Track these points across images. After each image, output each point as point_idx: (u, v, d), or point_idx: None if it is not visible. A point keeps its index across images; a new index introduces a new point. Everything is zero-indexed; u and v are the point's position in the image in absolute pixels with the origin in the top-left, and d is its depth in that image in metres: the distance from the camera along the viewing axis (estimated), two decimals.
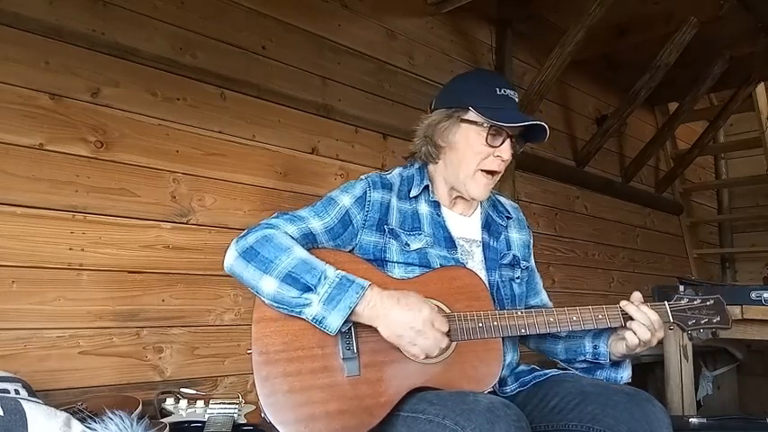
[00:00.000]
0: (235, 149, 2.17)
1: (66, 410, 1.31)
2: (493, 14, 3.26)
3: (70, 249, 1.78)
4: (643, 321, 1.39)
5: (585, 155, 3.81)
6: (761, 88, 4.33)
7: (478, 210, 1.60)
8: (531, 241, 1.68)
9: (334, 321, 1.25)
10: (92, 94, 1.86)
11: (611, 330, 1.49)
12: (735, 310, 2.06)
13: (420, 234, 1.48)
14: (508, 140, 1.47)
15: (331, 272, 1.28)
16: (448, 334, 1.30)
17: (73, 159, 1.81)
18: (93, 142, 1.85)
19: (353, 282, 1.27)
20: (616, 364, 1.51)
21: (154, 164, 1.97)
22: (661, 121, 4.61)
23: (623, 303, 1.44)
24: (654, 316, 1.40)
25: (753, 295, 2.17)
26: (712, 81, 3.79)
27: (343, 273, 1.28)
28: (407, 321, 1.25)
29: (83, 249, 1.80)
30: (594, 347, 1.50)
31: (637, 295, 1.45)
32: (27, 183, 1.72)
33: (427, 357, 1.28)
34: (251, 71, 2.24)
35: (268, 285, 1.28)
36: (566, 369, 1.58)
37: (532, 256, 1.67)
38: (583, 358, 1.52)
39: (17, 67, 1.72)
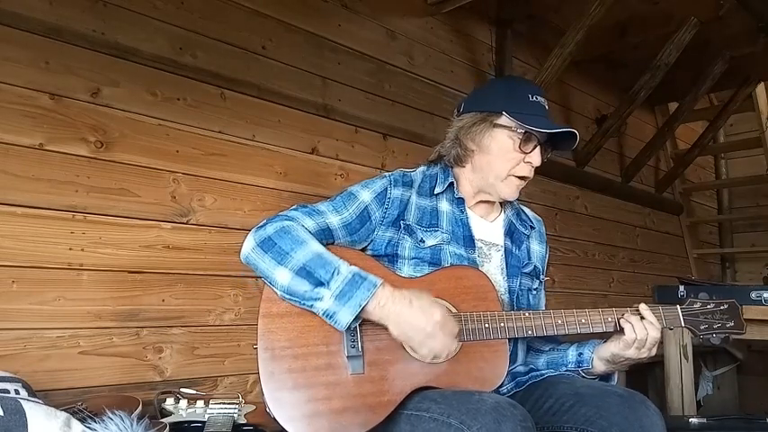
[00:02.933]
0: (235, 149, 2.17)
1: (66, 410, 1.31)
2: (493, 14, 3.25)
3: (70, 249, 1.78)
4: (639, 335, 1.38)
5: (585, 155, 3.80)
6: (761, 88, 4.33)
7: (501, 216, 1.61)
8: (548, 257, 1.68)
9: (345, 317, 1.25)
10: (92, 94, 1.86)
11: (598, 341, 1.48)
12: None
13: (437, 231, 1.48)
14: (539, 147, 1.47)
15: (344, 267, 1.28)
16: (458, 336, 1.30)
17: (73, 159, 1.81)
18: (93, 142, 1.85)
19: (366, 279, 1.27)
20: (605, 378, 1.51)
21: (154, 164, 1.97)
22: (661, 121, 4.61)
23: (630, 317, 1.42)
24: (652, 331, 1.39)
25: (753, 295, 2.17)
26: (712, 81, 3.79)
27: (357, 269, 1.28)
28: (419, 324, 1.25)
29: (83, 249, 1.80)
30: (579, 355, 1.49)
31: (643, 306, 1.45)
32: (27, 183, 1.72)
33: (435, 359, 1.28)
34: (251, 71, 2.24)
35: (282, 277, 1.28)
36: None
37: (545, 272, 1.67)
38: (565, 369, 1.51)
39: (17, 67, 1.72)
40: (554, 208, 3.62)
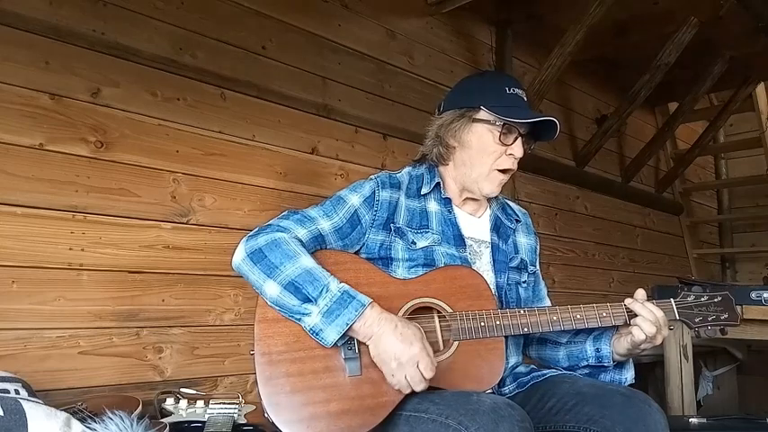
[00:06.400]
0: (235, 149, 2.17)
1: (66, 410, 1.31)
2: (493, 15, 3.26)
3: (70, 249, 1.78)
4: (648, 317, 1.39)
5: (585, 155, 3.81)
6: (761, 88, 4.33)
7: (488, 211, 1.60)
8: (538, 247, 1.68)
9: (331, 335, 1.25)
10: (92, 94, 1.86)
11: (612, 331, 1.48)
12: None
13: (427, 232, 1.47)
14: (520, 138, 1.47)
15: (334, 285, 1.27)
16: (442, 348, 1.29)
17: (73, 159, 1.81)
18: (93, 142, 1.85)
19: (354, 298, 1.26)
20: (619, 365, 1.51)
21: (154, 164, 1.97)
22: (661, 121, 4.61)
23: (628, 301, 1.43)
24: (659, 312, 1.40)
25: (753, 295, 2.17)
26: (712, 81, 3.79)
27: (346, 287, 1.28)
28: (394, 351, 1.24)
29: (83, 249, 1.80)
30: (597, 351, 1.49)
31: (641, 293, 1.45)
32: (27, 183, 1.72)
33: (400, 391, 1.26)
34: (251, 71, 2.24)
35: (271, 290, 1.28)
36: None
37: (538, 262, 1.67)
38: (586, 363, 1.52)
39: (17, 67, 1.72)
40: (554, 208, 3.62)
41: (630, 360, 1.52)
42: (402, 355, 1.23)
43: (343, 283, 1.28)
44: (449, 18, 3.04)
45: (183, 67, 2.06)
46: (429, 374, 1.24)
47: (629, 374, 1.51)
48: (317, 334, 1.26)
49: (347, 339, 1.28)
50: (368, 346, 1.27)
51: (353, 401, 1.26)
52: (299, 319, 1.28)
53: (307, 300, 1.26)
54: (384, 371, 1.26)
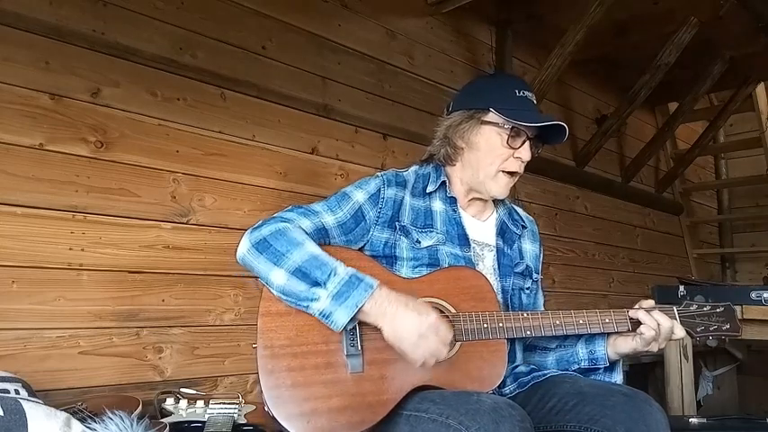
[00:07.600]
0: (235, 149, 2.17)
1: (66, 410, 1.31)
2: (493, 14, 3.25)
3: (70, 249, 1.78)
4: (652, 325, 1.39)
5: (585, 155, 3.80)
6: (761, 88, 4.33)
7: (494, 215, 1.61)
8: (542, 256, 1.68)
9: (341, 318, 1.25)
10: (92, 94, 1.86)
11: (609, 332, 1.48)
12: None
13: (432, 231, 1.48)
14: (528, 141, 1.47)
15: (341, 269, 1.28)
16: (452, 343, 1.30)
17: (73, 159, 1.81)
18: (93, 142, 1.85)
19: (363, 280, 1.27)
20: (609, 368, 1.51)
21: (154, 164, 1.97)
22: (661, 121, 4.61)
23: (632, 312, 1.43)
24: (664, 321, 1.41)
25: (753, 295, 2.17)
26: (712, 81, 3.79)
27: (353, 270, 1.28)
28: (413, 325, 1.24)
29: (83, 249, 1.80)
30: (591, 353, 1.50)
31: (648, 302, 1.46)
32: (27, 183, 1.72)
33: (425, 364, 1.26)
34: (251, 71, 2.24)
35: (278, 278, 1.28)
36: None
37: (540, 271, 1.67)
38: (577, 366, 1.52)
39: (17, 67, 1.72)
40: (554, 208, 3.61)
41: (620, 364, 1.52)
42: (421, 326, 1.24)
43: (350, 267, 1.29)
44: (449, 18, 3.04)
45: (183, 67, 2.06)
46: (450, 337, 1.26)
47: (618, 377, 1.52)
48: (327, 317, 1.26)
49: (351, 335, 1.29)
50: (380, 329, 1.26)
51: (354, 398, 1.27)
52: (308, 306, 1.27)
53: (315, 284, 1.26)
54: (404, 348, 1.25)
